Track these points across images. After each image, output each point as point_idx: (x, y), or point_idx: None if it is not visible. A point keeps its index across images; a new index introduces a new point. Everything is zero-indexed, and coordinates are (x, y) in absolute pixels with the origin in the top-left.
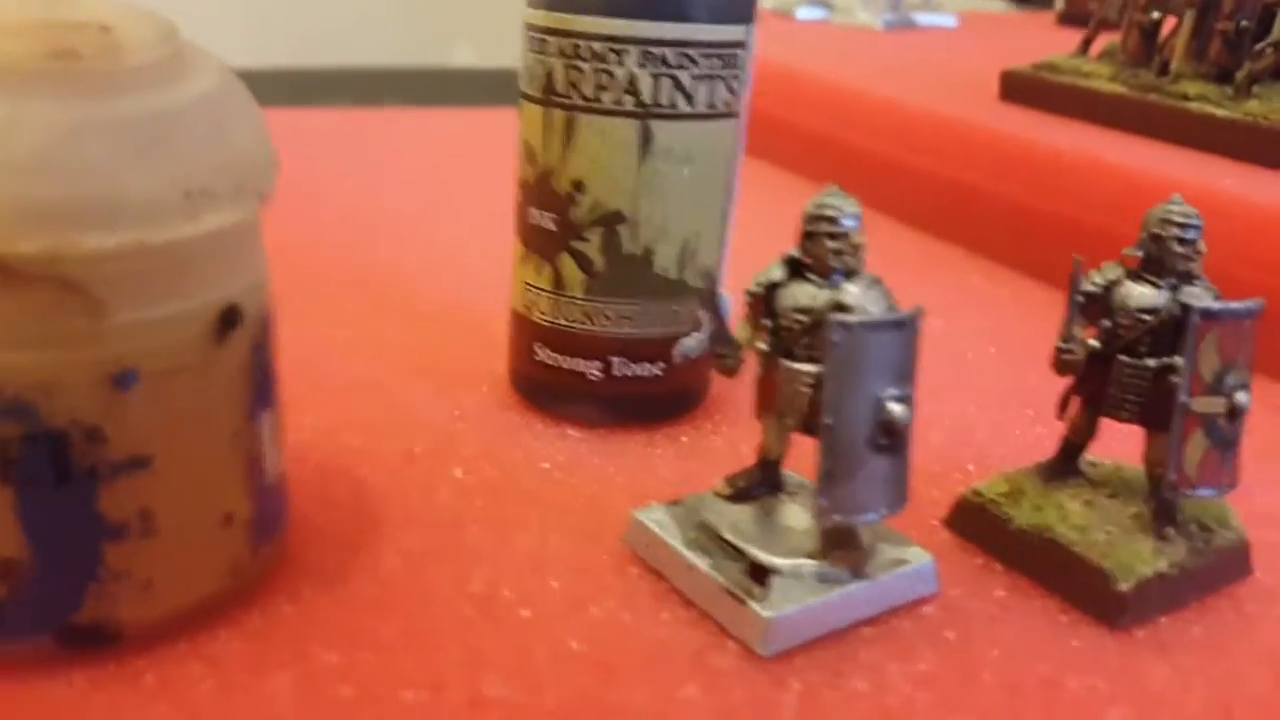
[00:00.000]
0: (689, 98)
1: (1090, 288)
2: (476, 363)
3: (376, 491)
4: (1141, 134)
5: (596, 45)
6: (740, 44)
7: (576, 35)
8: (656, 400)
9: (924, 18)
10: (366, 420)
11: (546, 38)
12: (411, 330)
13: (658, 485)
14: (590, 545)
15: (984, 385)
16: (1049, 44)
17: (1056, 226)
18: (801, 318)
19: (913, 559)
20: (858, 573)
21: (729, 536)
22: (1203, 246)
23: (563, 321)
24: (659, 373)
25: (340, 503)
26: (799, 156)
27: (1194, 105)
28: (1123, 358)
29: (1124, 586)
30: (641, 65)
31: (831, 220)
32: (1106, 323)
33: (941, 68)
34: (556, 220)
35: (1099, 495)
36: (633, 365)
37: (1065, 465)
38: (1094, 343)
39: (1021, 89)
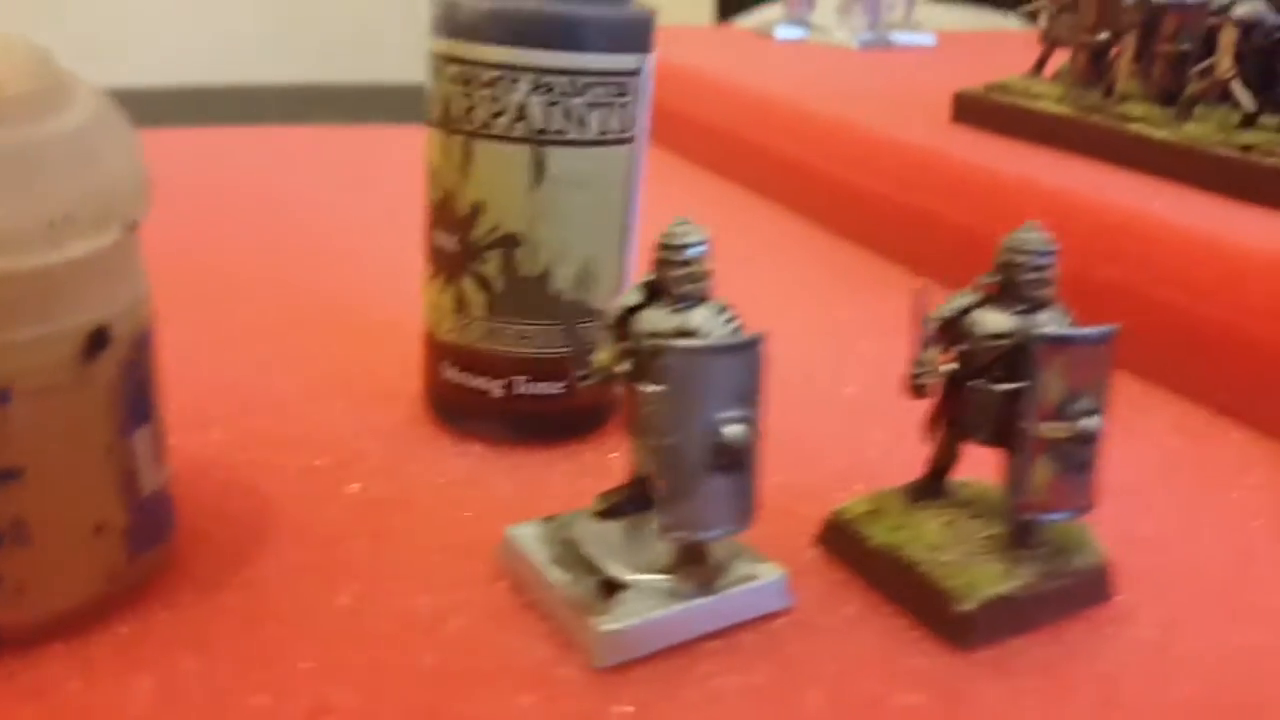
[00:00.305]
0: (581, 124)
1: (946, 313)
2: (397, 380)
3: (272, 505)
4: (1085, 155)
5: (489, 73)
6: (634, 73)
7: (470, 63)
8: (559, 418)
9: (902, 37)
10: (276, 435)
11: (444, 65)
12: (335, 347)
13: (549, 502)
14: (466, 560)
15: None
16: (1027, 63)
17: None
18: (653, 341)
19: (764, 575)
20: (705, 588)
21: (587, 552)
22: (1054, 274)
23: (466, 340)
24: (560, 391)
25: (234, 515)
26: (761, 176)
27: (1134, 127)
28: (976, 383)
29: (966, 607)
30: (533, 93)
31: (678, 249)
32: (961, 348)
33: (905, 88)
34: (458, 242)
35: (962, 515)
36: (534, 384)
37: (932, 486)
38: (950, 367)
39: (972, 110)
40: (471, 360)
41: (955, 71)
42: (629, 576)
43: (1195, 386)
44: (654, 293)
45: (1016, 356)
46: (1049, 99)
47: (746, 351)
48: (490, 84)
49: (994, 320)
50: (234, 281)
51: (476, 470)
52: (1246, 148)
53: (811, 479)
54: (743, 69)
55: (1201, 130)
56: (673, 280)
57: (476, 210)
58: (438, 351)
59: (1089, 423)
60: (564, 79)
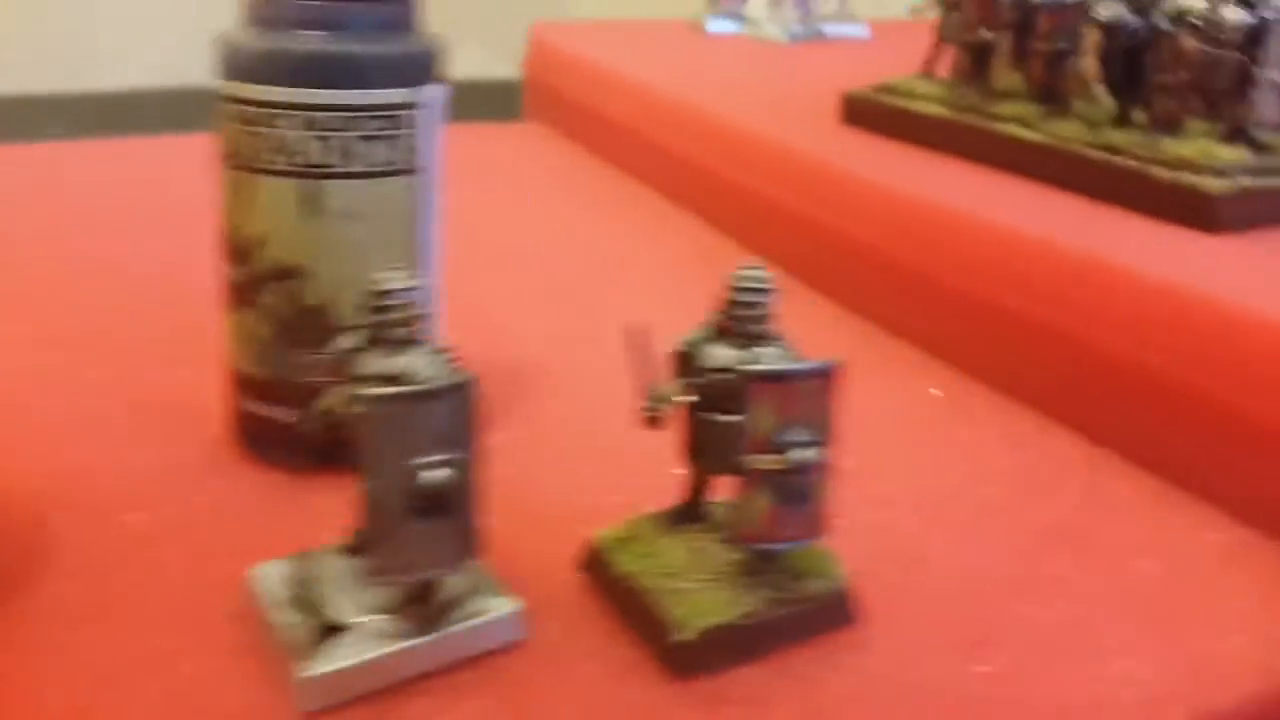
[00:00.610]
0: (356, 158)
1: (680, 346)
2: (211, 408)
3: (51, 534)
4: (961, 157)
5: (264, 111)
6: (409, 106)
7: (247, 102)
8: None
9: (833, 29)
10: (73, 465)
11: (226, 105)
12: (151, 375)
13: (326, 532)
14: (220, 597)
15: None
16: None
17: (862, 254)
18: (381, 384)
19: (496, 609)
20: (427, 626)
21: (320, 591)
22: (769, 309)
23: (257, 370)
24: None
25: (10, 540)
26: (659, 174)
27: (1006, 128)
28: (706, 414)
29: (682, 637)
30: (305, 129)
31: (387, 294)
32: (695, 380)
33: (812, 87)
34: (245, 274)
35: (713, 540)
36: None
37: (690, 510)
38: (683, 399)
39: (859, 112)
40: (263, 390)
41: (873, 67)
42: (350, 618)
43: (1030, 392)
44: (373, 340)
45: (737, 390)
46: (930, 100)
47: (451, 396)
48: (267, 122)
49: (719, 354)
50: (51, 307)
51: (266, 501)
52: (1111, 149)
53: (609, 499)
54: (655, 65)
55: (1072, 130)
56: (387, 326)
57: (258, 243)
58: (234, 380)
59: (803, 455)
60: (333, 115)
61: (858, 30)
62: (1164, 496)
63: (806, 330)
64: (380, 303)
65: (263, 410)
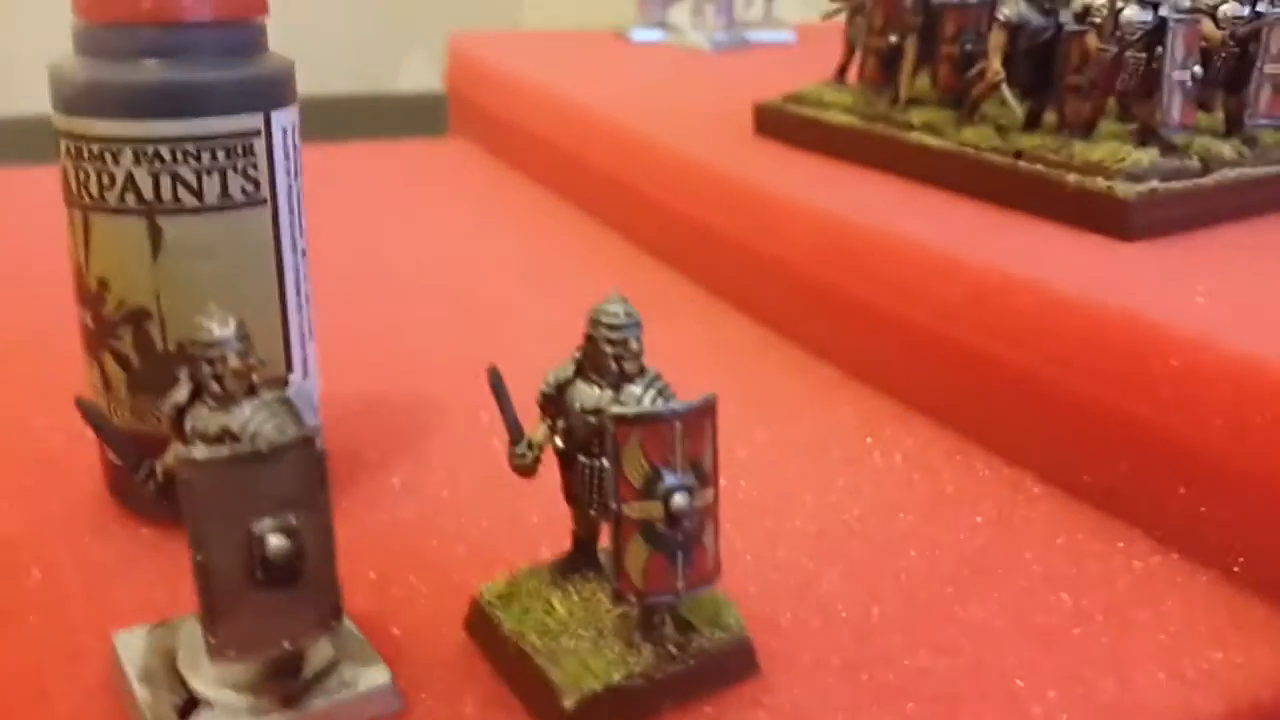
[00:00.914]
0: (196, 192)
1: (545, 389)
2: (84, 460)
3: None
4: (872, 166)
5: (94, 146)
6: (254, 133)
7: (77, 137)
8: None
9: (758, 35)
10: None
11: (60, 140)
12: (18, 425)
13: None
14: (80, 669)
15: None
16: None
17: (773, 270)
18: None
19: (365, 681)
20: (289, 702)
21: (180, 664)
22: (635, 345)
23: (116, 419)
24: None
25: None
26: (576, 187)
27: (913, 136)
28: (582, 458)
29: (566, 703)
30: (137, 163)
31: (206, 346)
32: (563, 423)
33: (734, 95)
34: (93, 318)
35: (602, 591)
36: None
37: (579, 557)
38: (559, 442)
39: (770, 122)
40: (122, 440)
41: (795, 74)
42: (209, 693)
43: (944, 411)
44: (202, 393)
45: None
46: (839, 108)
47: (287, 455)
48: (98, 157)
49: (586, 395)
50: None
51: (136, 559)
52: (1018, 154)
53: (504, 547)
54: (575, 76)
55: (980, 136)
56: (210, 378)
57: (102, 285)
58: (97, 432)
59: (680, 501)
60: (167, 147)
61: (783, 36)
62: (1081, 519)
63: (723, 351)
64: (205, 353)
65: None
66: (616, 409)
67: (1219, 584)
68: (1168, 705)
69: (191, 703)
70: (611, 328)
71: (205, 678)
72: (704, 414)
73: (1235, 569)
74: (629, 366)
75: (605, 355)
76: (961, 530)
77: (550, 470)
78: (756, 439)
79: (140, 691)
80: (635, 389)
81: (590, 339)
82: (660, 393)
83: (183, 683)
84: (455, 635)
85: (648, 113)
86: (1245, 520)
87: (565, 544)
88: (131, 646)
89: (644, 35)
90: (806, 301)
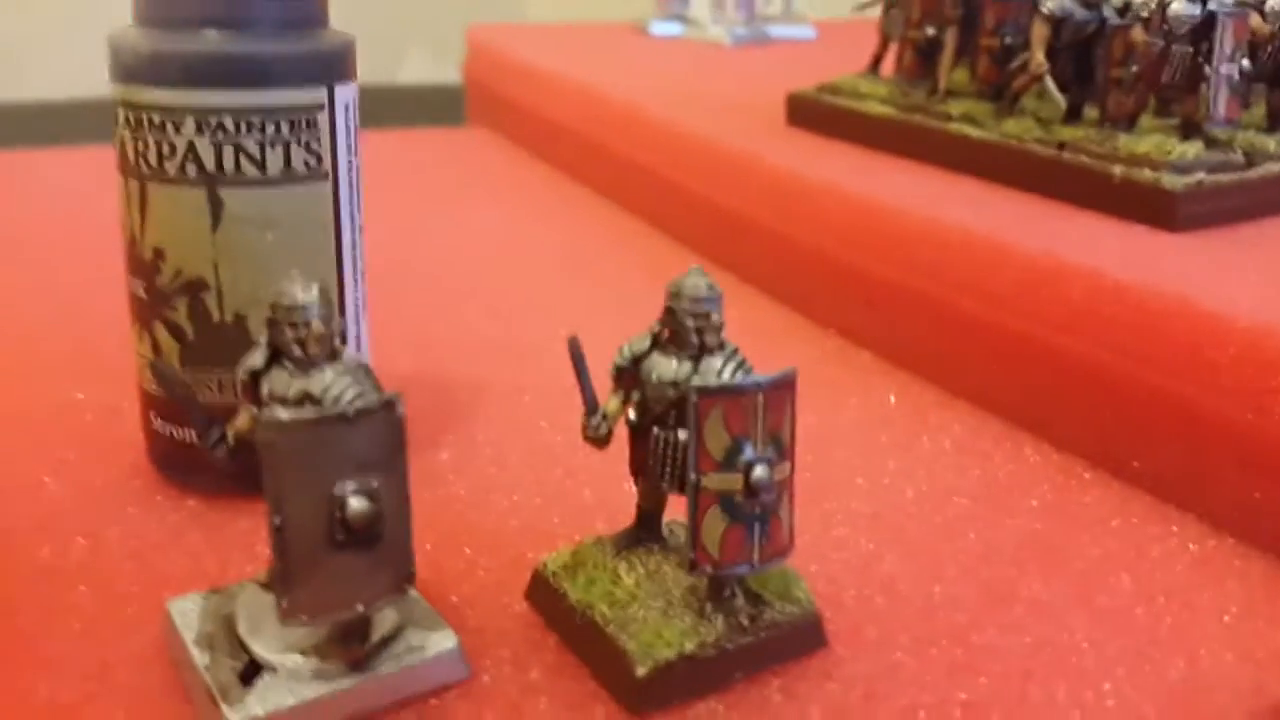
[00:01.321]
0: (259, 164)
1: (620, 361)
2: (126, 431)
3: None
4: (909, 157)
5: (155, 115)
6: (318, 107)
7: (137, 107)
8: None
9: (778, 30)
10: None
11: (118, 110)
12: (61, 397)
13: (250, 564)
14: (131, 636)
15: None
16: None
17: (810, 257)
18: (292, 407)
19: (433, 645)
20: (357, 667)
21: (240, 630)
22: (717, 319)
23: (162, 389)
24: None
25: None
26: (604, 178)
27: (954, 126)
28: (656, 430)
29: (640, 671)
30: (199, 133)
31: (289, 310)
32: (638, 395)
33: (760, 87)
34: (146, 288)
35: (667, 563)
36: None
37: (642, 531)
38: (631, 415)
39: (804, 112)
40: (174, 410)
41: (819, 68)
42: (273, 658)
43: (990, 397)
44: (281, 357)
45: (684, 404)
46: (876, 99)
47: (370, 419)
48: (159, 126)
49: (664, 367)
50: None
51: (183, 530)
52: (1061, 145)
53: (555, 521)
54: (598, 68)
55: (1021, 127)
56: (291, 343)
57: (158, 255)
58: (145, 402)
59: (761, 473)
60: (230, 117)
61: (803, 31)
62: (1134, 504)
63: (758, 338)
64: (288, 317)
65: (176, 433)
66: (699, 381)
67: (1275, 568)
68: (1239, 686)
69: (254, 668)
70: (695, 300)
71: (267, 643)
72: (785, 387)
73: None
74: (710, 339)
75: (687, 328)
76: (1017, 514)
77: (593, 451)
78: (803, 423)
79: (200, 658)
80: (715, 361)
81: (671, 311)
82: (740, 366)
83: (244, 648)
84: (516, 605)
85: (675, 103)
86: None
87: (620, 521)
88: (187, 614)
89: (663, 29)
90: (844, 289)
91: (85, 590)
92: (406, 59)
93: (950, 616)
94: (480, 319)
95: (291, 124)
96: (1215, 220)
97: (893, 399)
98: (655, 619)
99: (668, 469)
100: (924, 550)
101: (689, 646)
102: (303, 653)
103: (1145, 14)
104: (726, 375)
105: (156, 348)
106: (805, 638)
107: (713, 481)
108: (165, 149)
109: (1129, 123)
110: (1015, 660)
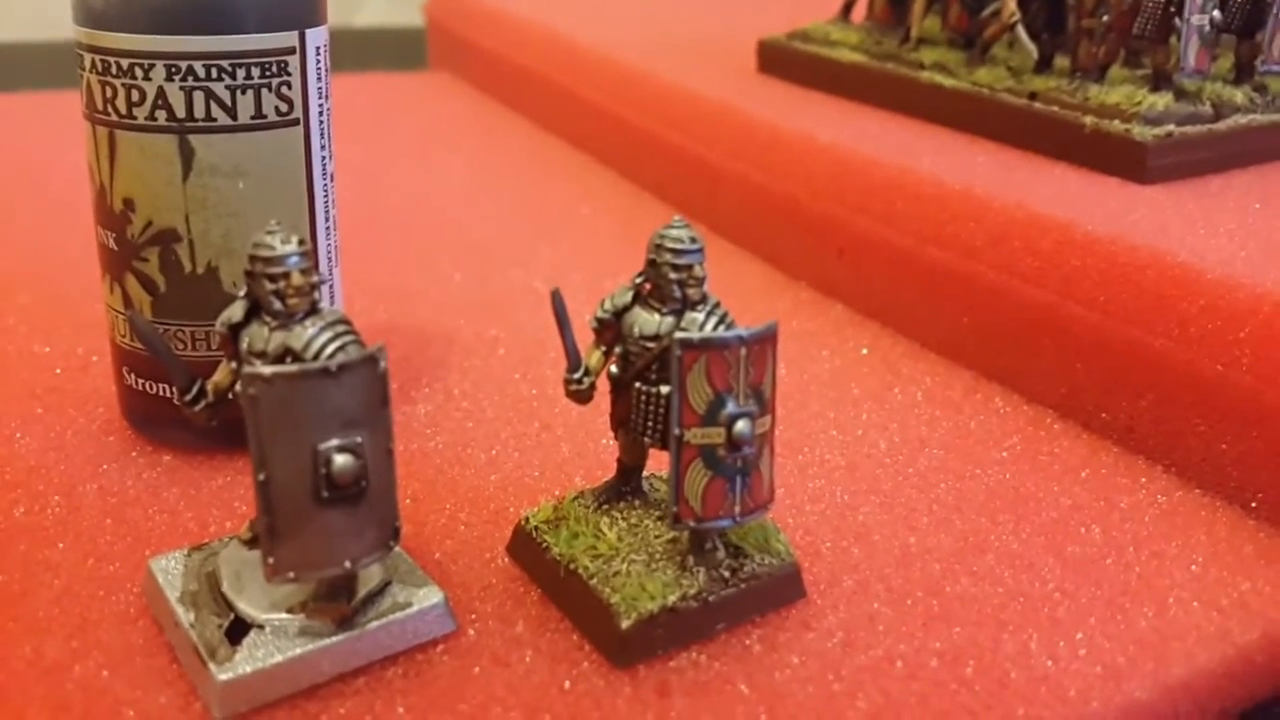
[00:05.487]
0: (229, 110)
1: (602, 314)
2: (100, 386)
3: None
4: (880, 105)
5: (124, 61)
6: (289, 51)
7: (105, 51)
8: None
9: None
10: None
11: (83, 54)
12: (31, 352)
13: (229, 520)
14: (112, 594)
15: None
16: None
17: (781, 208)
18: (272, 361)
19: (419, 600)
20: (345, 623)
21: (224, 588)
22: (700, 271)
23: (140, 344)
24: None
25: None
26: (571, 124)
27: (924, 75)
28: (638, 384)
29: (624, 624)
30: (170, 79)
31: (272, 261)
32: (619, 349)
33: (732, 32)
34: (116, 239)
35: (649, 517)
36: None
37: (622, 485)
38: (614, 368)
39: (775, 60)
40: (147, 365)
41: (793, 12)
42: (260, 615)
43: (961, 349)
44: (260, 311)
45: (666, 358)
46: (847, 47)
47: (354, 373)
48: (127, 72)
49: (646, 321)
50: None
51: (160, 487)
52: (1032, 95)
53: (535, 475)
54: (564, 10)
55: (992, 76)
56: (272, 295)
57: (128, 206)
58: (117, 356)
59: (741, 428)
60: (201, 63)
61: None
62: (1103, 455)
63: (730, 290)
64: (266, 269)
65: (150, 387)
66: (681, 334)
67: (1241, 519)
68: (1205, 632)
69: (240, 625)
70: (676, 252)
71: (253, 600)
72: (767, 340)
73: (1254, 504)
74: (693, 293)
75: (669, 281)
76: (988, 464)
77: (569, 404)
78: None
79: (185, 616)
80: (698, 315)
81: (653, 264)
82: (722, 320)
83: (229, 606)
84: (498, 560)
85: (645, 47)
86: (1265, 457)
87: (598, 475)
88: (169, 571)
89: None
90: (816, 240)
91: (63, 548)
92: (365, 1)
93: (925, 566)
94: (451, 270)
95: (262, 69)
96: (1184, 172)
97: (865, 351)
98: (638, 572)
99: (650, 423)
100: (898, 501)
101: (671, 599)
102: (289, 610)
103: None
104: (709, 328)
105: (128, 300)
106: (785, 589)
107: (695, 436)
108: (134, 95)
109: (1100, 73)
110: (989, 609)
